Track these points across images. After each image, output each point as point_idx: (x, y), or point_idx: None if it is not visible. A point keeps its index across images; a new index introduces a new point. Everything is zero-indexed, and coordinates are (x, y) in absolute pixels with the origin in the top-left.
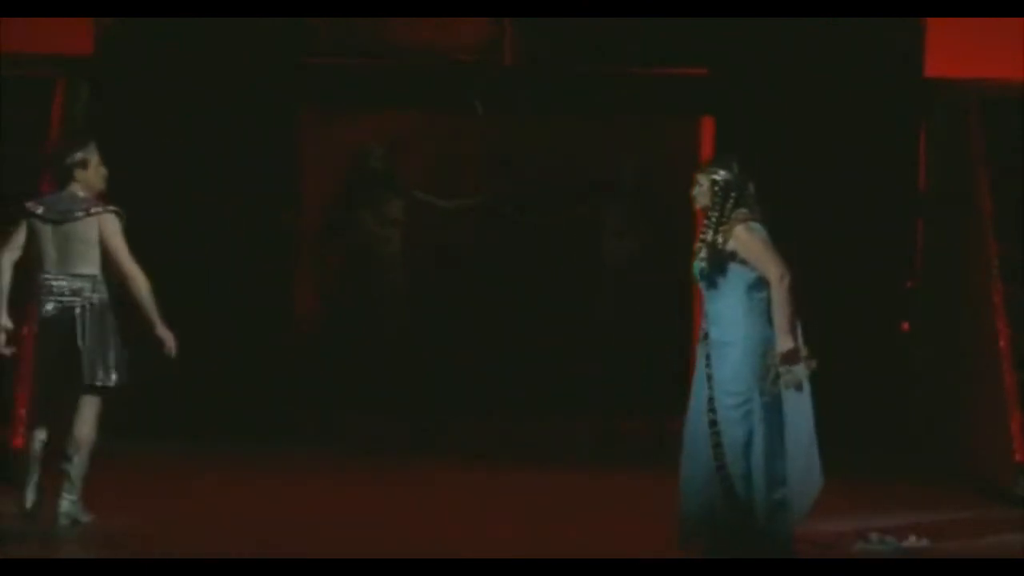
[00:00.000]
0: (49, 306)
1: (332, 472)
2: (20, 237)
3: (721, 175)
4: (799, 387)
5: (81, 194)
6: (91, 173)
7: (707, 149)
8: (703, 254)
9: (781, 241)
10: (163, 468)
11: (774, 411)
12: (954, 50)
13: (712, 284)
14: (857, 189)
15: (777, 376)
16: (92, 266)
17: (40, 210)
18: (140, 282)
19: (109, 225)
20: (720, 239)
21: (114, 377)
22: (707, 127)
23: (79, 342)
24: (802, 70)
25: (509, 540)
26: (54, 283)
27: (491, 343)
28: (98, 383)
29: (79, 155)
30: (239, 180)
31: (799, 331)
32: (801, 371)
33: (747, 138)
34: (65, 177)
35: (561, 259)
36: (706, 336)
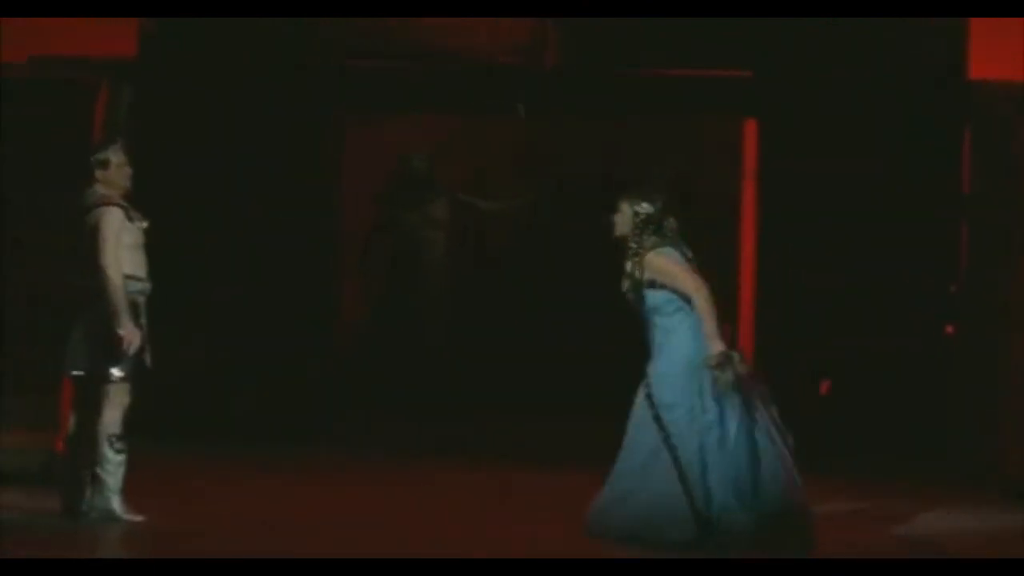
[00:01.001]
0: (69, 302)
1: (376, 475)
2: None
3: (643, 207)
4: (737, 388)
5: (100, 191)
6: (113, 172)
7: (750, 151)
8: (626, 286)
9: (824, 244)
10: (202, 470)
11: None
12: (998, 52)
13: (647, 311)
14: (900, 192)
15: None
16: (95, 261)
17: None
18: (107, 282)
19: (102, 217)
20: (637, 271)
21: (117, 373)
22: (750, 129)
23: (91, 337)
24: (845, 72)
25: (558, 540)
26: (78, 281)
27: (533, 345)
28: (106, 377)
29: (101, 154)
30: (281, 183)
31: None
32: (729, 374)
33: (790, 140)
34: (91, 174)
35: (603, 261)
36: (645, 374)
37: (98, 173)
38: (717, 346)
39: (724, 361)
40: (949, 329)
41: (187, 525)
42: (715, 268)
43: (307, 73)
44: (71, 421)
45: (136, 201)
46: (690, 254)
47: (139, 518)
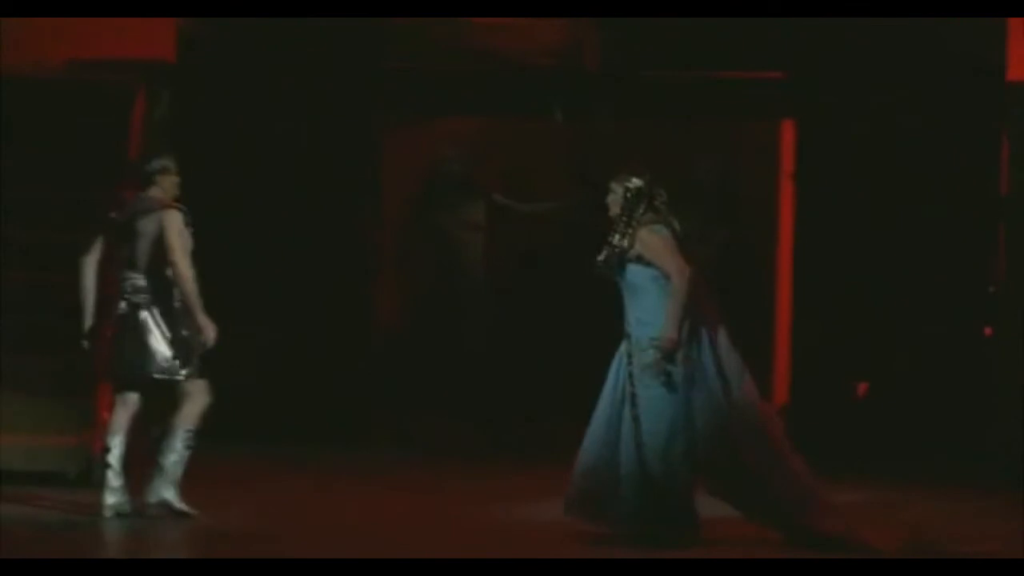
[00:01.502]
0: (122, 304)
1: (413, 475)
2: (100, 240)
3: (633, 183)
4: (666, 376)
5: (157, 195)
6: (168, 181)
7: (787, 152)
8: (603, 256)
9: (861, 245)
10: (245, 470)
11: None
12: None
13: (628, 286)
14: (938, 193)
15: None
16: (157, 264)
17: (116, 213)
18: (185, 282)
19: (168, 220)
20: (626, 243)
21: (183, 370)
22: (787, 130)
23: (147, 338)
24: (882, 73)
25: (598, 536)
26: (126, 282)
27: (572, 347)
28: (169, 376)
29: (159, 162)
30: (319, 185)
31: (685, 329)
32: (674, 364)
33: (827, 141)
34: (147, 181)
35: None
36: (628, 336)
37: (157, 178)
38: (671, 331)
39: (669, 349)
40: (988, 331)
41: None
42: (752, 269)
43: (345, 76)
44: (121, 420)
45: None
46: (678, 227)
47: (194, 512)
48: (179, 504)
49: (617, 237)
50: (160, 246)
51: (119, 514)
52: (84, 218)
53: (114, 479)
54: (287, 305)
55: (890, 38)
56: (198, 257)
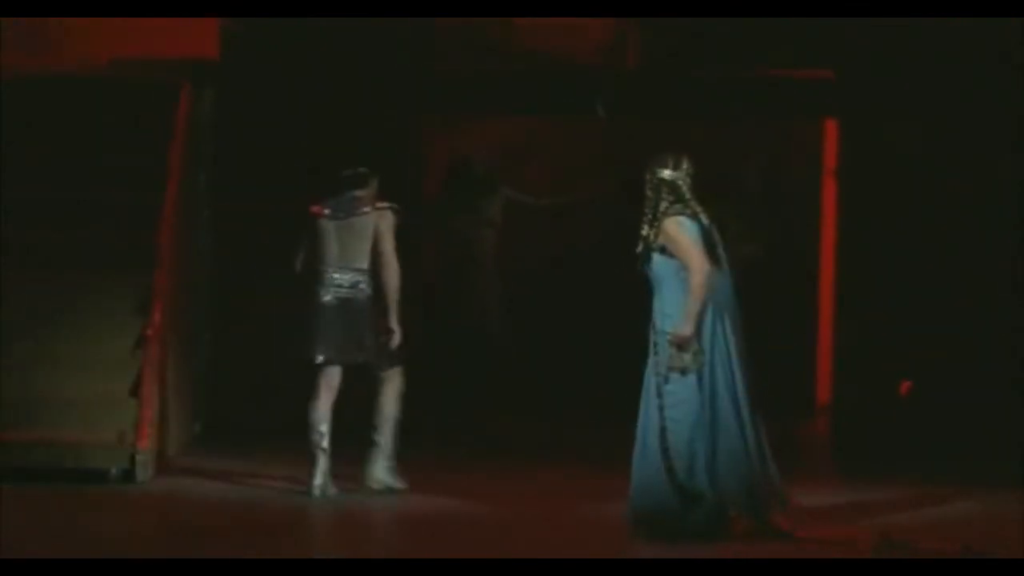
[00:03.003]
0: (328, 297)
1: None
2: (309, 239)
3: (665, 174)
4: (683, 372)
5: (367, 197)
6: (375, 183)
7: (831, 152)
8: (639, 248)
9: (905, 244)
10: None
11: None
12: None
13: (654, 277)
14: (982, 191)
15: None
16: (366, 260)
17: (327, 211)
18: (395, 278)
19: (386, 220)
20: (652, 234)
21: (391, 359)
22: (831, 130)
23: (356, 329)
24: (927, 72)
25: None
26: (335, 275)
27: (601, 347)
28: (375, 361)
29: (364, 168)
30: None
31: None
32: (688, 359)
33: (872, 140)
34: (355, 184)
35: None
36: (654, 326)
37: (369, 180)
38: (687, 328)
39: (685, 345)
40: None
41: None
42: (796, 268)
43: (388, 75)
44: (326, 405)
45: (217, 203)
46: (707, 221)
47: (406, 486)
48: (395, 481)
49: (645, 228)
50: (369, 244)
51: (325, 494)
52: (129, 218)
53: (324, 461)
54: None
55: (934, 36)
56: (238, 254)
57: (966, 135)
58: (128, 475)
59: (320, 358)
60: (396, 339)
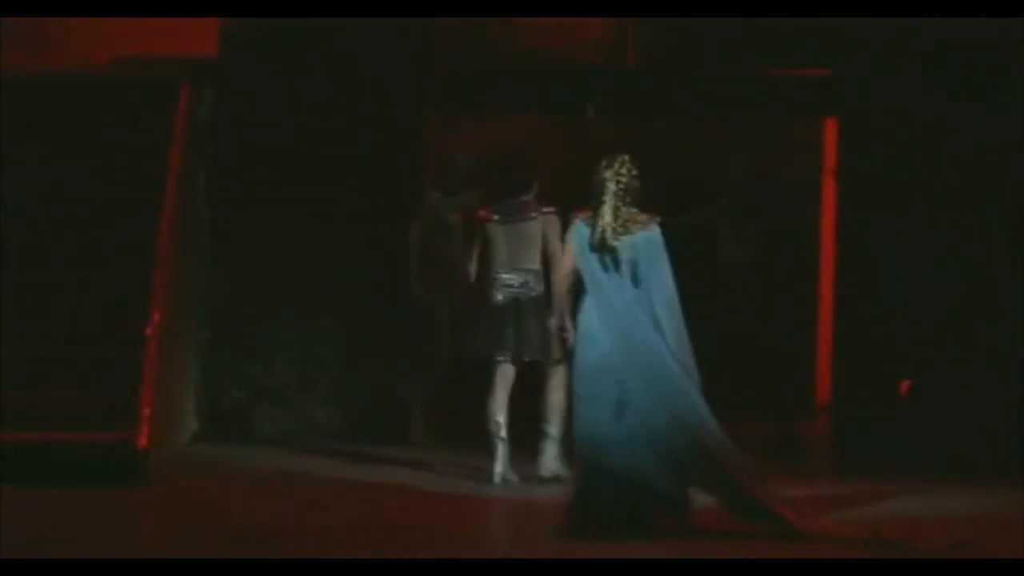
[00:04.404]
0: (500, 296)
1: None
2: (480, 244)
3: (601, 174)
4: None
5: (532, 202)
6: (536, 189)
7: (830, 150)
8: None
9: (905, 243)
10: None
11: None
12: None
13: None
14: (982, 190)
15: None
16: (535, 261)
17: (496, 217)
18: (565, 277)
19: (554, 224)
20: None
21: (556, 354)
22: (830, 128)
23: (526, 327)
24: (925, 70)
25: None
26: (505, 276)
27: None
28: (544, 358)
29: (523, 174)
30: (363, 184)
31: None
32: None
33: (870, 139)
34: (519, 190)
35: (679, 262)
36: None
37: (533, 185)
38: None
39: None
40: None
41: None
42: (796, 268)
43: (388, 74)
44: (503, 398)
45: (220, 202)
46: (604, 224)
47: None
48: (563, 469)
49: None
50: (538, 247)
51: (505, 480)
52: (129, 218)
53: (503, 450)
54: (331, 302)
55: (933, 34)
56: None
57: (966, 135)
58: (128, 475)
59: (499, 357)
60: (571, 337)
